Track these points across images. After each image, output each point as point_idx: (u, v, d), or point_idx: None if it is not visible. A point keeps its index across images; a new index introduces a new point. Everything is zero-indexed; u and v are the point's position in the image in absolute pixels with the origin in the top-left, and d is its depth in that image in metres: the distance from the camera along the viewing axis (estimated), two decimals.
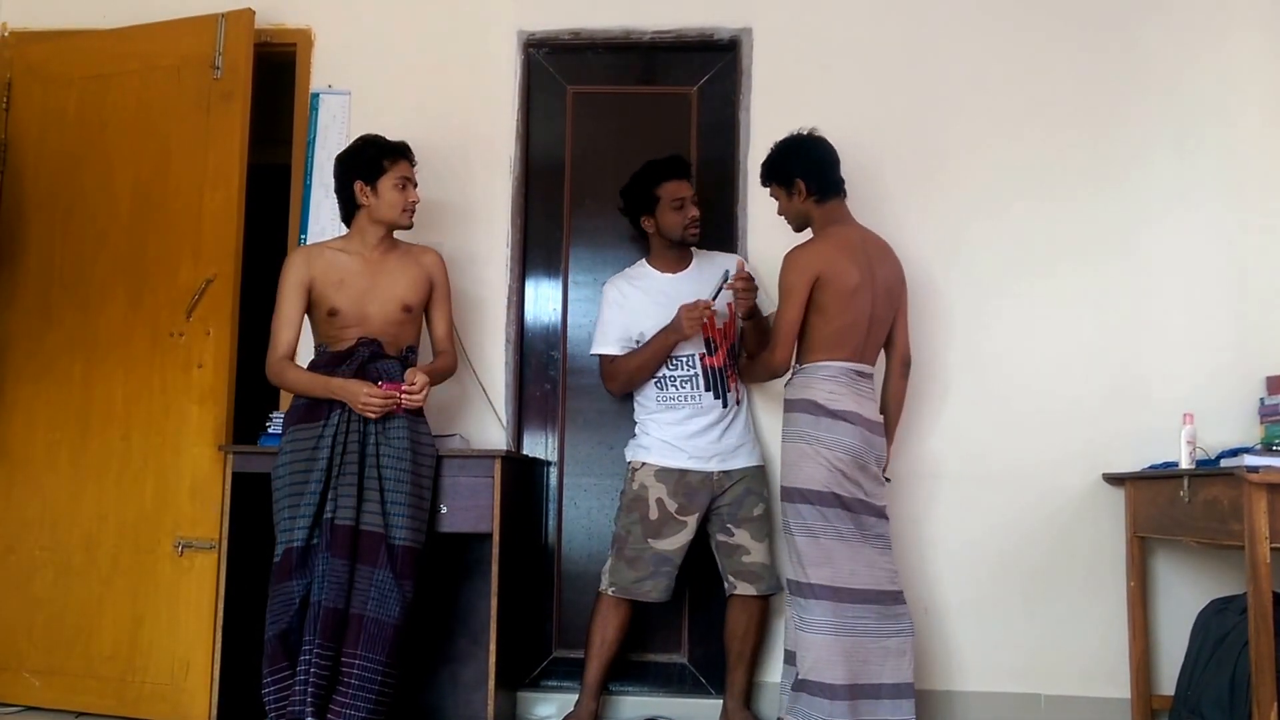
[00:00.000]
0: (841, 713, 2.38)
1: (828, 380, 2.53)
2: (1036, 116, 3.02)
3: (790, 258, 2.56)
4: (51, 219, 3.09)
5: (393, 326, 2.69)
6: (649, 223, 2.84)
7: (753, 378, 2.82)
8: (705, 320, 2.67)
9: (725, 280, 2.66)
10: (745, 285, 2.66)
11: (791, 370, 2.61)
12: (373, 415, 2.52)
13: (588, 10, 3.13)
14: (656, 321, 2.75)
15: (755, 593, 2.74)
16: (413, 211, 2.71)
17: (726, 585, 2.77)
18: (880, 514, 2.54)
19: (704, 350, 2.78)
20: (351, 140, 2.78)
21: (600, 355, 2.86)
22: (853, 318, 2.54)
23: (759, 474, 2.83)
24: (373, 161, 2.66)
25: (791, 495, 2.51)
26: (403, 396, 2.54)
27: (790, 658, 2.54)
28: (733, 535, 2.76)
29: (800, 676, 2.44)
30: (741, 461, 2.80)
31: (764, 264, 2.88)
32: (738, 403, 2.82)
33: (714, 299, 2.67)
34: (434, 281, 2.79)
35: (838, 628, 2.42)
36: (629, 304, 2.82)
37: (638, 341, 2.79)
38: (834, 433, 2.49)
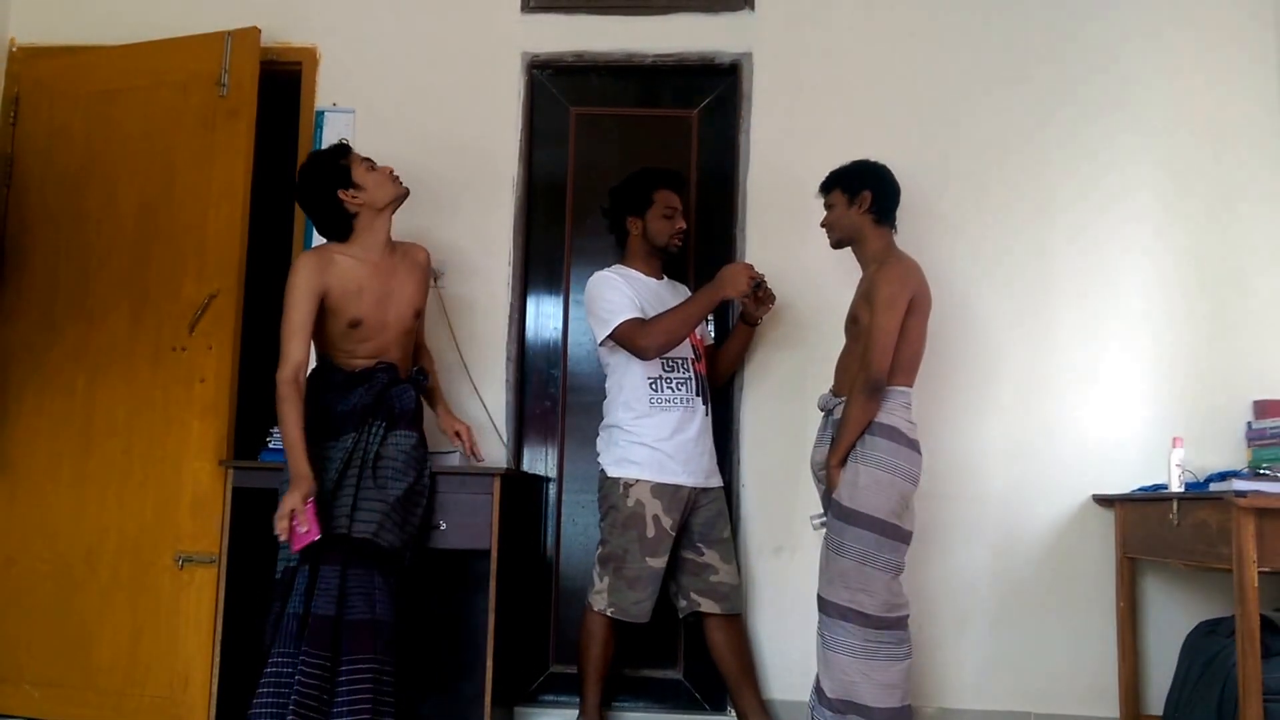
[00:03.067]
0: None
1: (907, 409, 2.56)
2: (1031, 141, 3.07)
3: (892, 271, 2.55)
4: (57, 233, 3.10)
5: (404, 337, 2.70)
6: (635, 223, 2.86)
7: (859, 400, 2.50)
8: (754, 278, 2.70)
9: (757, 284, 2.73)
10: (769, 294, 2.80)
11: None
12: (279, 530, 2.40)
13: (591, 33, 3.17)
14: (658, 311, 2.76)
15: (720, 611, 2.77)
16: (397, 177, 2.67)
17: (685, 604, 2.79)
18: None
19: (693, 355, 2.83)
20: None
21: (625, 321, 2.70)
22: (921, 344, 2.60)
23: (723, 495, 2.88)
24: (335, 167, 2.62)
25: (858, 519, 2.48)
26: (296, 538, 2.40)
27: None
28: (703, 555, 2.79)
29: (835, 696, 2.47)
30: (716, 481, 2.86)
31: None
32: (710, 415, 2.86)
33: (757, 281, 2.73)
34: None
35: (856, 650, 2.46)
36: (631, 289, 2.79)
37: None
38: (910, 463, 2.52)
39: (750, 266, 2.72)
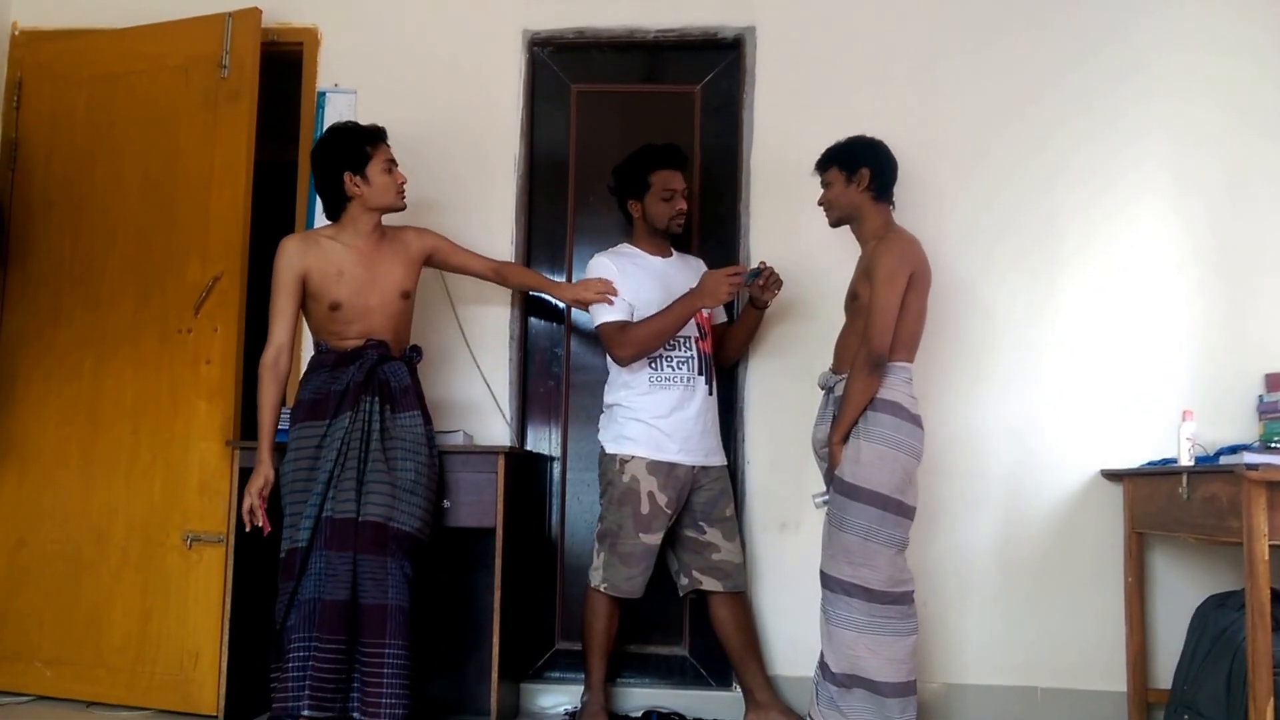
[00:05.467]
0: (895, 710, 2.43)
1: (908, 384, 2.55)
2: (1036, 114, 3.03)
3: (893, 245, 2.53)
4: (62, 217, 3.12)
5: (392, 319, 2.70)
6: (635, 207, 2.85)
7: (860, 376, 2.48)
8: (734, 291, 2.69)
9: (758, 272, 2.71)
10: (776, 279, 2.76)
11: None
12: (245, 522, 2.60)
13: (592, 9, 3.15)
14: (655, 298, 2.75)
15: (723, 589, 2.77)
16: (404, 191, 2.70)
17: (687, 581, 2.79)
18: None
19: (698, 334, 2.81)
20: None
21: (607, 323, 2.74)
22: (922, 320, 2.58)
23: (726, 474, 2.88)
24: (357, 149, 2.63)
25: (859, 494, 2.47)
26: (255, 525, 2.59)
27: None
28: (704, 533, 2.79)
29: (840, 670, 2.47)
30: (717, 460, 2.85)
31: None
32: (714, 394, 2.85)
33: (747, 277, 2.70)
34: (433, 249, 2.81)
35: (861, 625, 2.46)
36: (628, 278, 2.79)
37: (633, 316, 2.77)
38: (912, 438, 2.51)
39: (732, 276, 2.67)
